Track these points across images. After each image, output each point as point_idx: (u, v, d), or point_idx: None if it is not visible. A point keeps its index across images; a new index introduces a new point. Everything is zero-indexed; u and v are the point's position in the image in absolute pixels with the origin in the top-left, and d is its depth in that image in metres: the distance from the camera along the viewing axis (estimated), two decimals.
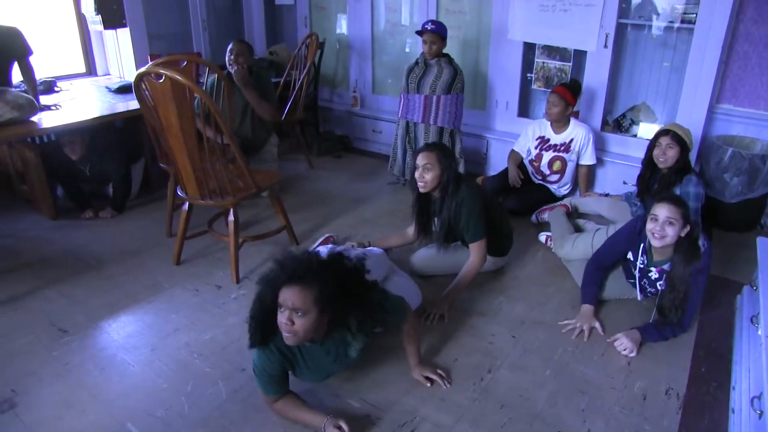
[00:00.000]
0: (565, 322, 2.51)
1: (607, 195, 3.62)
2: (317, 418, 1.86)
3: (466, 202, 2.58)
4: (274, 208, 3.09)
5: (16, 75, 3.53)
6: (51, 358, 2.26)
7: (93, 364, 2.23)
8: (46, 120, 3.29)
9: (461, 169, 3.73)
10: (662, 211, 2.24)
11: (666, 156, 2.90)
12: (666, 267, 2.37)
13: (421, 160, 2.58)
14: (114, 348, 2.33)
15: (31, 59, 3.49)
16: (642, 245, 2.43)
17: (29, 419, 1.94)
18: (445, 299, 2.56)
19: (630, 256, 2.53)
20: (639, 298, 2.56)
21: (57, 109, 3.50)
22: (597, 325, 2.45)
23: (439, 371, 2.14)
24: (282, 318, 1.67)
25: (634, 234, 2.46)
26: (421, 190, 2.64)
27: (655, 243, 2.30)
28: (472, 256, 2.64)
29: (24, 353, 2.29)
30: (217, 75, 2.57)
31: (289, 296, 1.64)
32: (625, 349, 2.30)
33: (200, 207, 2.91)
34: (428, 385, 2.10)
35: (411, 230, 2.95)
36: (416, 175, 2.61)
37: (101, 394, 2.06)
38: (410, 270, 2.85)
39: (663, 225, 2.24)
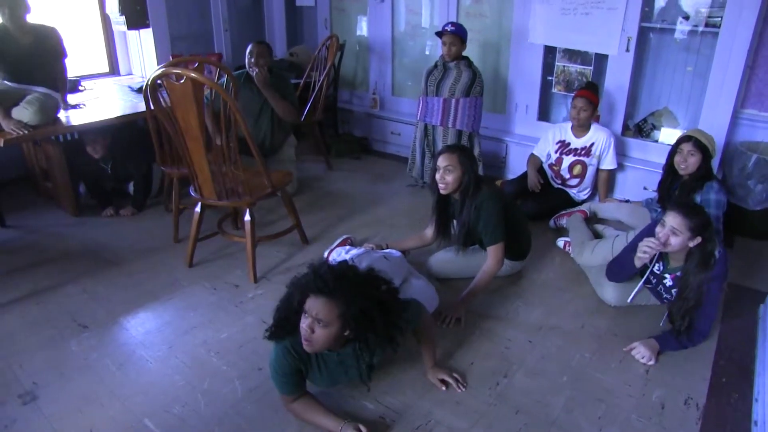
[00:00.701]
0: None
1: (627, 201, 3.58)
2: (334, 421, 1.86)
3: (485, 205, 2.57)
4: (285, 207, 3.10)
5: None
6: (71, 353, 2.29)
7: (112, 359, 2.26)
8: (70, 118, 3.35)
9: (480, 172, 3.72)
10: (670, 218, 2.23)
11: (687, 163, 2.87)
12: (680, 274, 2.34)
13: (442, 161, 2.57)
14: (132, 344, 2.36)
15: (66, 61, 3.56)
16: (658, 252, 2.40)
17: (50, 412, 1.98)
18: (462, 303, 2.55)
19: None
20: (659, 303, 2.51)
21: (82, 107, 3.56)
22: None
23: (455, 375, 2.13)
24: (303, 324, 1.69)
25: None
26: (442, 191, 2.63)
27: (661, 249, 2.30)
28: (489, 260, 2.63)
29: (46, 347, 2.33)
30: (227, 76, 2.59)
31: (314, 305, 1.66)
32: (642, 358, 2.27)
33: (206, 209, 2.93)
34: (443, 388, 2.09)
35: (429, 232, 2.94)
36: (437, 176, 2.60)
37: (119, 390, 2.09)
38: (428, 272, 2.85)
39: (667, 233, 2.24)
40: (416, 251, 3.04)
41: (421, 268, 2.85)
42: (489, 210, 2.57)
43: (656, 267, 2.44)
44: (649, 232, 2.48)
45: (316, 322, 1.67)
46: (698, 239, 2.21)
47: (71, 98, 3.70)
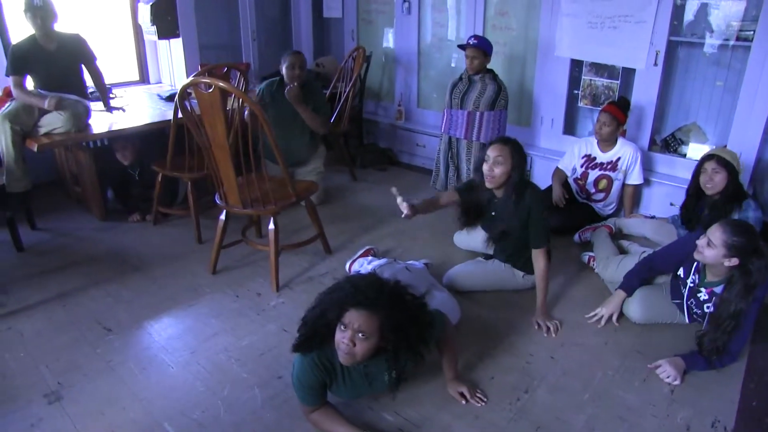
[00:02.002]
0: (592, 314, 2.63)
1: (653, 217, 3.52)
2: None
3: (536, 206, 2.53)
4: (309, 217, 3.12)
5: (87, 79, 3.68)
6: (95, 355, 2.33)
7: (134, 363, 2.29)
8: (113, 122, 3.47)
9: None
10: (713, 231, 2.20)
11: (713, 181, 2.81)
12: (717, 290, 2.29)
13: (492, 151, 2.50)
14: (155, 348, 2.39)
15: (98, 64, 3.63)
16: (696, 263, 2.35)
17: (73, 412, 2.01)
18: (543, 312, 2.60)
19: (681, 272, 2.45)
20: (687, 321, 2.49)
21: (124, 111, 3.62)
22: (614, 316, 2.57)
23: (478, 392, 2.11)
24: (343, 338, 1.68)
25: (692, 247, 2.36)
26: (488, 185, 2.55)
27: (695, 255, 2.29)
28: (541, 261, 2.57)
29: (70, 348, 2.37)
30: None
31: (356, 318, 1.66)
32: (668, 377, 2.22)
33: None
34: (463, 402, 2.07)
35: (443, 197, 2.80)
36: (485, 168, 2.52)
37: (141, 393, 2.11)
38: (447, 285, 2.83)
39: (703, 244, 2.21)
40: (438, 262, 3.03)
41: (440, 280, 2.84)
42: (539, 210, 2.53)
43: (690, 280, 2.39)
44: (690, 240, 2.44)
45: (358, 335, 1.67)
46: (735, 260, 2.16)
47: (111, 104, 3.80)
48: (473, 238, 3.11)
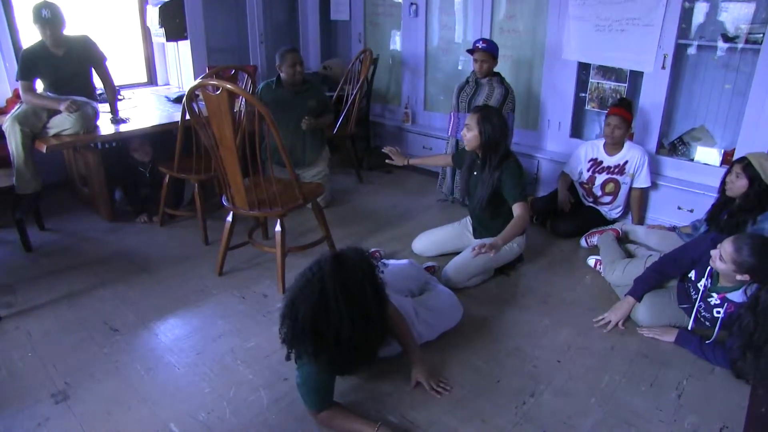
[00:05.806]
0: (599, 318, 2.62)
1: (674, 228, 3.40)
2: (366, 427, 1.88)
3: (508, 171, 2.86)
4: (316, 219, 3.12)
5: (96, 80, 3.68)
6: (102, 355, 2.34)
7: (141, 364, 2.30)
8: (113, 129, 3.45)
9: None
10: (725, 243, 2.19)
11: (733, 185, 2.75)
12: (729, 296, 2.27)
13: (468, 119, 2.91)
14: (161, 349, 2.40)
15: (107, 64, 3.62)
16: (710, 267, 2.34)
17: (80, 412, 2.01)
18: (495, 244, 2.64)
19: (692, 275, 2.44)
20: (690, 327, 2.47)
21: (128, 122, 3.63)
22: (620, 324, 2.57)
23: (439, 380, 2.15)
24: None
25: (707, 250, 2.34)
26: (466, 146, 2.99)
27: (711, 262, 2.29)
28: (519, 211, 2.82)
29: (78, 348, 2.38)
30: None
31: None
32: (650, 335, 2.35)
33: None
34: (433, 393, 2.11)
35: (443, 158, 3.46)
36: (463, 132, 2.96)
37: (147, 394, 2.12)
38: (445, 283, 2.82)
39: (716, 255, 2.22)
40: (442, 264, 3.03)
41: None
42: (512, 175, 2.86)
43: (702, 284, 2.37)
44: (687, 249, 2.44)
45: None
46: (746, 277, 2.15)
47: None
48: (434, 233, 3.31)
